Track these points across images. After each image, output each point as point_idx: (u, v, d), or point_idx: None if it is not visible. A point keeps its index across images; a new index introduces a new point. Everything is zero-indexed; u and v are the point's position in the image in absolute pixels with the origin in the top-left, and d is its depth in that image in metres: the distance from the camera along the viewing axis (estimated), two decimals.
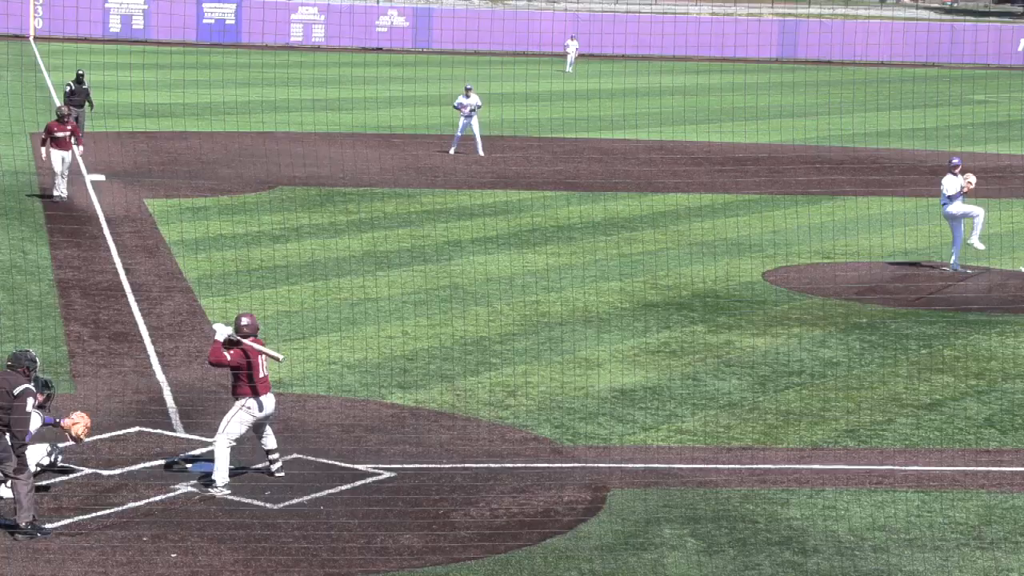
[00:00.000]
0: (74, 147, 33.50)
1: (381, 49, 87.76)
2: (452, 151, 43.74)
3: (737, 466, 17.24)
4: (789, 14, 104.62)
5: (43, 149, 32.95)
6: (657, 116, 55.57)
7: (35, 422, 15.17)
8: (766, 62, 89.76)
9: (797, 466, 17.32)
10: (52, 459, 15.99)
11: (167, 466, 16.32)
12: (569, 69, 78.05)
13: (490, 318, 23.94)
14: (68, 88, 43.08)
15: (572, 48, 79.28)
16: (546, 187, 38.57)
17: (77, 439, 15.20)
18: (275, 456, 16.13)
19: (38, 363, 14.97)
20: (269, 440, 16.08)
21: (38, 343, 21.07)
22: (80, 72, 42.77)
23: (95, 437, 17.13)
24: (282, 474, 16.02)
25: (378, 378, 20.22)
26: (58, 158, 32.77)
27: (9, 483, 14.60)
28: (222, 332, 15.73)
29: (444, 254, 29.15)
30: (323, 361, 20.94)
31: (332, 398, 19.23)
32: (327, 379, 20.07)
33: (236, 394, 15.76)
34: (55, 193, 33.09)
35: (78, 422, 15.12)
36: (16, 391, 14.33)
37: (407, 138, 47.91)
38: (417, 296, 25.21)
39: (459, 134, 43.83)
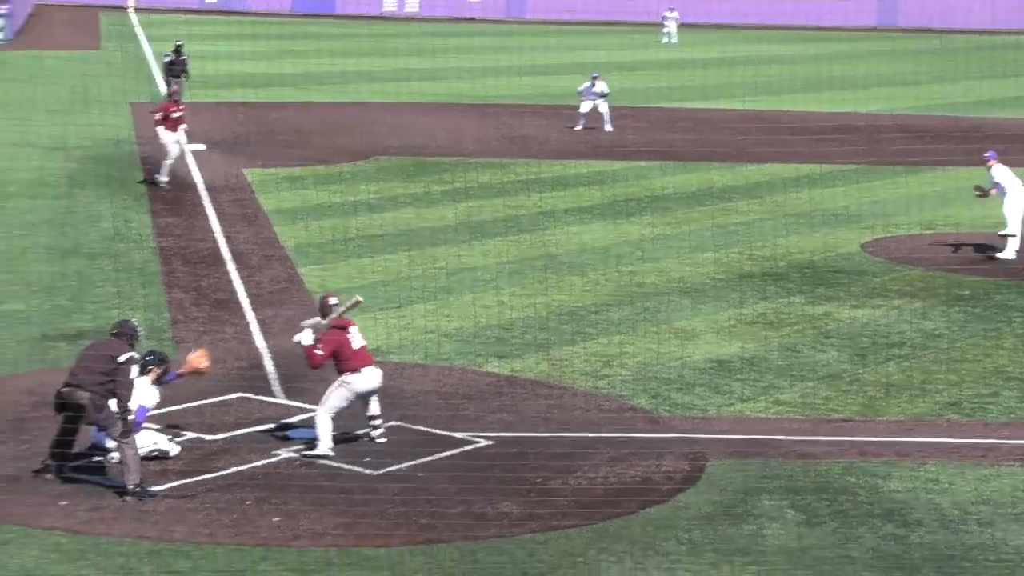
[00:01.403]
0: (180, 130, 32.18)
1: (475, 19, 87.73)
2: (579, 127, 42.82)
3: (837, 438, 17.10)
4: None
5: (160, 130, 31.60)
6: (754, 85, 55.08)
7: (154, 396, 15.44)
8: (865, 30, 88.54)
9: (899, 439, 17.15)
10: (165, 449, 15.84)
11: (278, 429, 16.47)
12: (669, 40, 76.98)
13: (585, 288, 23.92)
14: (167, 59, 43.66)
15: (672, 18, 78.26)
16: (641, 157, 38.41)
17: (207, 371, 15.71)
18: (377, 423, 16.23)
19: (140, 333, 15.22)
20: (373, 406, 16.17)
21: (141, 310, 21.39)
22: (178, 43, 43.31)
23: (199, 402, 17.39)
24: (384, 440, 16.12)
25: (474, 347, 20.30)
26: (171, 139, 31.80)
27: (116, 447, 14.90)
28: (307, 337, 15.81)
29: (539, 224, 29.15)
30: (420, 330, 21.05)
31: (429, 366, 19.34)
32: (424, 348, 20.18)
33: (340, 371, 15.85)
34: (160, 178, 31.39)
35: (200, 357, 15.57)
36: (121, 359, 14.56)
37: (501, 108, 47.91)
38: (512, 266, 25.25)
39: (583, 111, 42.88)
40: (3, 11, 63.96)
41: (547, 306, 22.64)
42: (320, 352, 15.75)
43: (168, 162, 31.49)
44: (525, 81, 52.66)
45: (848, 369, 19.88)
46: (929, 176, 36.12)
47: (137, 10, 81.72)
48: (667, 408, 17.97)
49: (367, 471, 15.42)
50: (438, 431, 16.71)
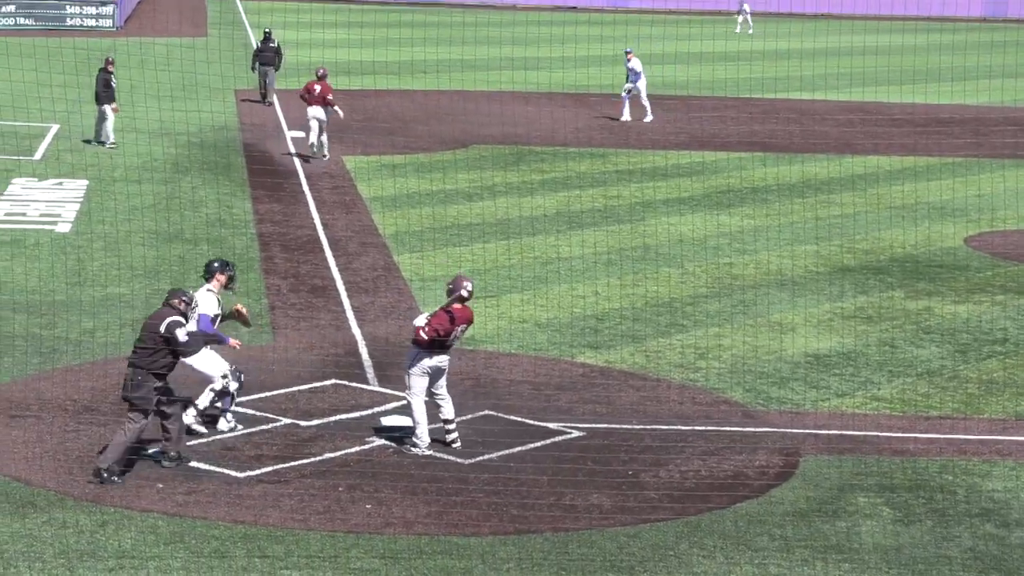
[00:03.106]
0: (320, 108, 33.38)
1: (576, 8, 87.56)
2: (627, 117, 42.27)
3: (935, 435, 16.87)
4: None
5: (310, 109, 32.92)
6: (858, 76, 54.41)
7: (213, 306, 15.82)
8: (972, 21, 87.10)
9: (999, 437, 16.88)
10: (229, 385, 16.00)
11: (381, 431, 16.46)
12: (741, 30, 76.05)
13: (681, 279, 23.80)
14: (256, 47, 43.77)
15: (747, 9, 77.21)
16: (741, 148, 38.12)
17: (248, 317, 15.76)
18: (452, 427, 15.86)
19: (194, 300, 15.19)
20: (446, 409, 15.85)
21: (241, 295, 21.64)
22: (267, 30, 43.37)
23: (294, 388, 17.57)
24: (457, 445, 15.81)
25: (568, 337, 20.28)
26: (312, 113, 32.98)
27: (186, 414, 15.25)
28: (421, 319, 15.76)
29: (636, 214, 29.05)
30: (514, 319, 21.08)
31: (522, 356, 19.36)
32: (518, 337, 20.20)
33: (416, 343, 15.64)
34: (315, 152, 33.18)
35: (241, 308, 15.91)
36: (162, 328, 14.62)
37: (601, 98, 47.78)
38: (608, 256, 25.19)
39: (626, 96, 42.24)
40: None
41: (642, 297, 22.56)
42: (425, 336, 15.54)
43: (311, 135, 33.26)
44: (624, 71, 52.46)
45: (947, 365, 19.59)
46: None
47: None
48: (761, 402, 17.84)
49: (458, 460, 15.48)
50: (530, 421, 16.73)
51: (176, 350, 14.67)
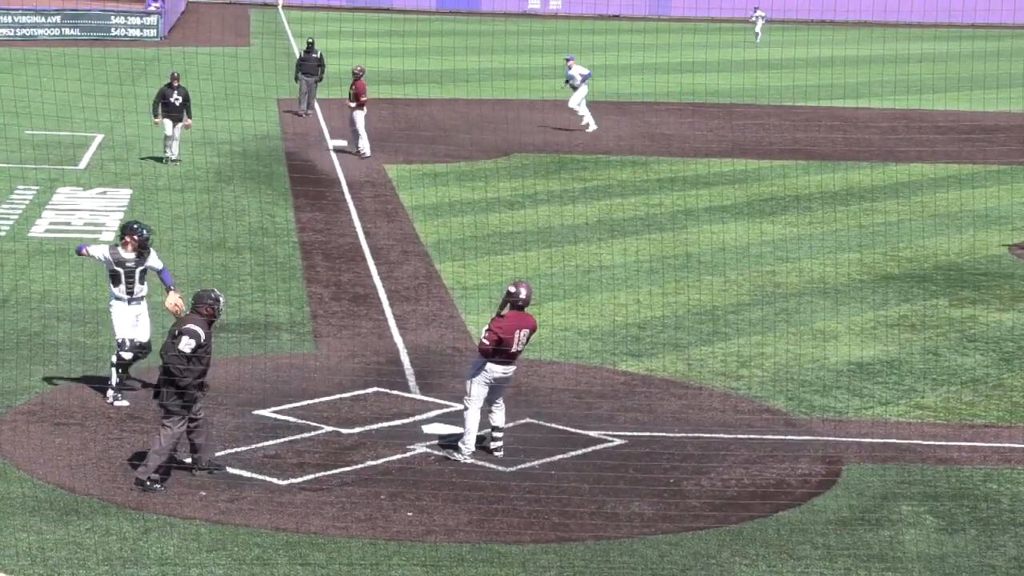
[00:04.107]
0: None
1: (618, 16, 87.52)
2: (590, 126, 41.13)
3: (980, 444, 16.74)
4: None
5: (354, 112, 35.21)
6: (903, 83, 54.14)
7: (103, 251, 16.84)
8: (1018, 28, 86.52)
9: None
10: (122, 354, 16.84)
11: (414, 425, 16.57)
12: (757, 42, 75.06)
13: (723, 287, 23.73)
14: (299, 57, 43.80)
15: (759, 18, 76.16)
16: (783, 156, 37.99)
17: (175, 311, 15.50)
18: (499, 435, 15.76)
19: (222, 302, 15.09)
20: (498, 416, 15.82)
21: (284, 303, 21.75)
22: (310, 40, 43.39)
23: (336, 396, 17.61)
24: (500, 454, 15.72)
25: (610, 345, 20.25)
26: (360, 116, 35.22)
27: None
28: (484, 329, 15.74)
29: (678, 222, 28.99)
30: (556, 327, 21.07)
31: (564, 364, 19.35)
32: (559, 345, 20.19)
33: (481, 352, 15.65)
34: (360, 150, 35.38)
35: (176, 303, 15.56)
36: (177, 331, 14.61)
37: (643, 106, 47.74)
38: (650, 264, 25.14)
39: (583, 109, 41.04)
40: (154, 7, 65.48)
41: (684, 305, 22.51)
42: (486, 341, 15.48)
43: (359, 138, 35.29)
44: (667, 79, 52.42)
45: (992, 374, 19.44)
46: None
47: (285, 7, 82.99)
48: (804, 410, 17.76)
49: (500, 468, 15.47)
50: (571, 429, 16.71)
51: (168, 355, 14.51)
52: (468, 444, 15.65)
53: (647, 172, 34.95)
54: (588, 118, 41.02)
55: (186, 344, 14.57)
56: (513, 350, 15.54)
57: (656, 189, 32.67)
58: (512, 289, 15.72)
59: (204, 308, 14.92)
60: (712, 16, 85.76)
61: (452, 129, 40.74)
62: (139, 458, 15.09)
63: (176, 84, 32.96)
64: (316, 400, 17.45)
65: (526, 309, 15.71)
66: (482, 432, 15.84)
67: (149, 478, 14.52)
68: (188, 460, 14.96)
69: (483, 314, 21.62)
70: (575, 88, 40.73)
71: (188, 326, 14.70)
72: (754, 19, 76.49)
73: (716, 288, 23.67)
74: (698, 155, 37.70)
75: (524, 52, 61.89)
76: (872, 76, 57.32)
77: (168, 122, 32.90)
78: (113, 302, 17.13)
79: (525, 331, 15.60)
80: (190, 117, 33.08)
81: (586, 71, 40.77)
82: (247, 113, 39.82)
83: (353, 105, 35.19)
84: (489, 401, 15.79)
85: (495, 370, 15.58)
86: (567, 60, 41.30)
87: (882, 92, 52.93)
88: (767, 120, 44.88)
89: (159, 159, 33.23)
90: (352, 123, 35.47)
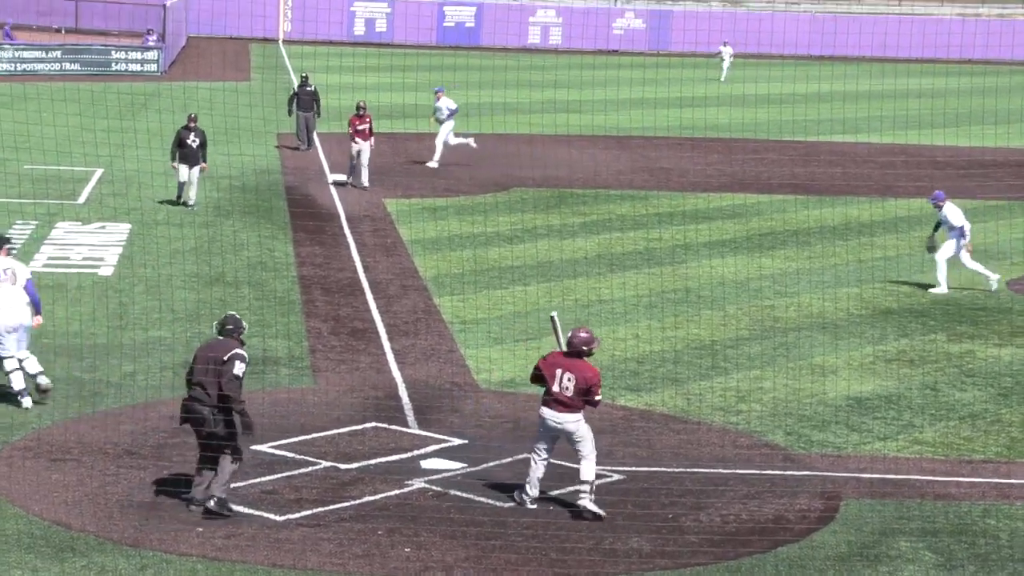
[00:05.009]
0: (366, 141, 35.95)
1: (617, 51, 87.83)
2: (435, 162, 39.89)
3: (978, 480, 16.71)
4: None
5: (353, 143, 35.78)
6: (901, 119, 54.27)
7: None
8: (1016, 64, 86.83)
9: None
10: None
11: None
12: (724, 79, 73.75)
13: (722, 322, 23.73)
14: (292, 92, 43.60)
15: (726, 54, 75.28)
16: (782, 190, 38.04)
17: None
18: (583, 488, 15.02)
19: (244, 326, 15.23)
20: (583, 468, 15.08)
21: (282, 338, 21.74)
22: (304, 75, 43.20)
23: (334, 431, 17.58)
24: (589, 508, 15.04)
25: (608, 380, 20.19)
26: (355, 149, 35.77)
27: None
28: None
29: (677, 257, 29.02)
30: None
31: None
32: None
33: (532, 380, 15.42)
34: (353, 181, 35.88)
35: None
36: (226, 356, 14.69)
37: (642, 140, 47.84)
38: (649, 299, 25.15)
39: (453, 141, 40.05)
40: (153, 42, 65.65)
41: (683, 340, 22.50)
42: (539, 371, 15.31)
43: (357, 165, 35.90)
44: (667, 113, 52.56)
45: (990, 409, 19.43)
46: None
47: (286, 42, 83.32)
48: (802, 445, 17.73)
49: (497, 503, 15.44)
50: (570, 464, 16.66)
51: (223, 381, 14.62)
52: (526, 491, 15.35)
53: (646, 206, 35.00)
54: (438, 154, 39.77)
55: (239, 368, 14.66)
56: (553, 388, 15.08)
57: (655, 223, 32.71)
58: (581, 334, 15.19)
59: (238, 333, 15.01)
60: (711, 51, 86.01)
61: (451, 163, 40.80)
62: (131, 494, 15.01)
63: (193, 125, 31.90)
64: (314, 435, 17.42)
65: (591, 360, 15.11)
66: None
67: (220, 500, 14.61)
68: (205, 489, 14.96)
69: (482, 348, 21.64)
70: (440, 122, 39.95)
71: (236, 351, 14.76)
72: (720, 55, 74.79)
73: (715, 322, 23.67)
74: (697, 189, 37.76)
75: (524, 87, 62.06)
76: (871, 111, 57.47)
77: (184, 168, 31.85)
78: None
79: (569, 374, 14.97)
80: (205, 160, 32.24)
81: (454, 105, 40.09)
82: (247, 147, 39.90)
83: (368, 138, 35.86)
84: (549, 450, 15.30)
85: (544, 415, 15.16)
86: (436, 92, 40.58)
87: (881, 127, 53.06)
88: (766, 155, 44.97)
89: (174, 201, 32.48)
90: (359, 155, 35.80)
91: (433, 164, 39.89)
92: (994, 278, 26.47)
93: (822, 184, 39.38)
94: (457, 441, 17.45)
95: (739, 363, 21.27)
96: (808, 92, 64.02)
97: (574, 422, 15.03)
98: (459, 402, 19.07)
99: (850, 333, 23.25)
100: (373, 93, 56.44)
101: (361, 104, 36.56)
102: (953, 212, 26.39)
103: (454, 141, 40.36)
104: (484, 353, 21.39)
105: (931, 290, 26.32)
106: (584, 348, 15.09)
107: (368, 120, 36.01)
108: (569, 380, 15.01)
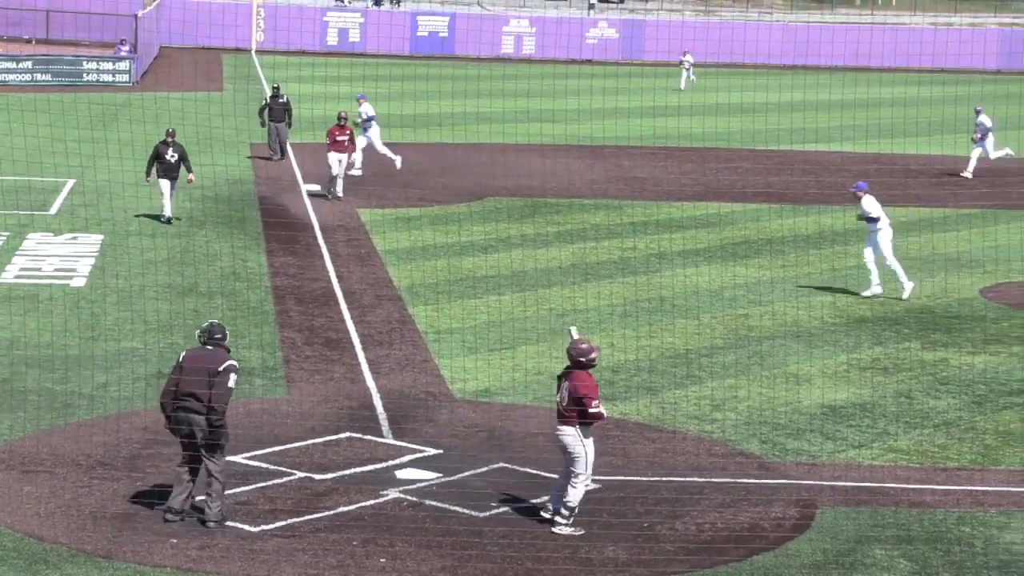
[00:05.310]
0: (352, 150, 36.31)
1: (591, 61, 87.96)
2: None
3: (952, 487, 16.75)
4: (1014, 24, 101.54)
5: (330, 155, 35.50)
6: (874, 127, 54.49)
7: None
8: (988, 73, 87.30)
9: (1017, 489, 16.75)
10: None
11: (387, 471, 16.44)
12: (683, 86, 73.53)
13: (697, 331, 23.75)
14: (263, 103, 43.33)
15: (687, 63, 73.20)
16: (756, 199, 38.13)
17: None
18: (565, 513, 14.87)
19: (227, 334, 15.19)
20: (569, 492, 14.95)
21: (256, 348, 21.65)
22: (276, 86, 42.99)
23: (308, 441, 17.51)
24: (567, 534, 14.86)
25: None
26: (335, 160, 35.54)
27: None
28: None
29: (651, 266, 29.04)
30: (529, 371, 21.03)
31: (538, 408, 19.29)
32: (533, 389, 20.15)
33: None
34: (330, 193, 35.60)
35: None
36: (220, 367, 14.64)
37: (616, 149, 47.90)
38: (624, 308, 25.15)
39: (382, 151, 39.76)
40: (124, 52, 65.40)
41: (657, 349, 22.51)
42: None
43: (338, 180, 35.51)
44: (640, 122, 52.63)
45: (964, 416, 19.48)
46: None
47: (258, 52, 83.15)
48: (777, 454, 17.74)
49: (473, 513, 15.40)
50: (545, 473, 16.64)
51: (214, 392, 14.53)
52: (547, 505, 15.28)
53: (620, 216, 35.03)
54: (357, 163, 38.97)
55: (234, 381, 14.66)
56: (556, 398, 15.10)
57: (629, 233, 32.73)
58: (581, 345, 15.06)
59: (225, 341, 14.97)
60: (674, 61, 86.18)
61: (425, 173, 40.77)
62: (106, 505, 14.93)
63: (171, 140, 31.50)
64: (288, 446, 17.35)
65: (592, 369, 14.96)
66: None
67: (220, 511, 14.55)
68: (201, 498, 14.88)
69: (456, 358, 21.61)
70: (365, 130, 39.56)
71: (230, 362, 14.70)
72: (682, 64, 74.27)
73: (689, 331, 23.68)
74: (671, 199, 37.81)
75: (497, 96, 62.09)
76: (844, 120, 57.68)
77: (165, 182, 31.29)
78: None
79: (566, 384, 14.89)
80: (190, 172, 31.70)
81: (372, 112, 39.63)
82: (219, 157, 39.75)
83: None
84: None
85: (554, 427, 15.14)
86: (358, 99, 40.16)
87: (854, 136, 53.24)
88: (740, 164, 45.07)
89: (156, 217, 32.13)
90: (340, 165, 35.69)
91: (356, 172, 38.79)
92: (908, 286, 26.48)
93: (796, 193, 39.48)
94: (432, 451, 17.40)
95: (714, 372, 21.28)
96: (781, 101, 64.22)
97: (570, 435, 14.92)
98: (434, 412, 19.03)
99: (824, 341, 23.29)
100: (346, 103, 56.39)
101: (342, 115, 36.37)
102: (871, 204, 26.53)
103: (381, 150, 40.23)
104: (459, 363, 21.36)
105: (863, 293, 26.41)
106: (583, 359, 15.04)
107: (349, 131, 35.98)
108: (566, 390, 15.01)
